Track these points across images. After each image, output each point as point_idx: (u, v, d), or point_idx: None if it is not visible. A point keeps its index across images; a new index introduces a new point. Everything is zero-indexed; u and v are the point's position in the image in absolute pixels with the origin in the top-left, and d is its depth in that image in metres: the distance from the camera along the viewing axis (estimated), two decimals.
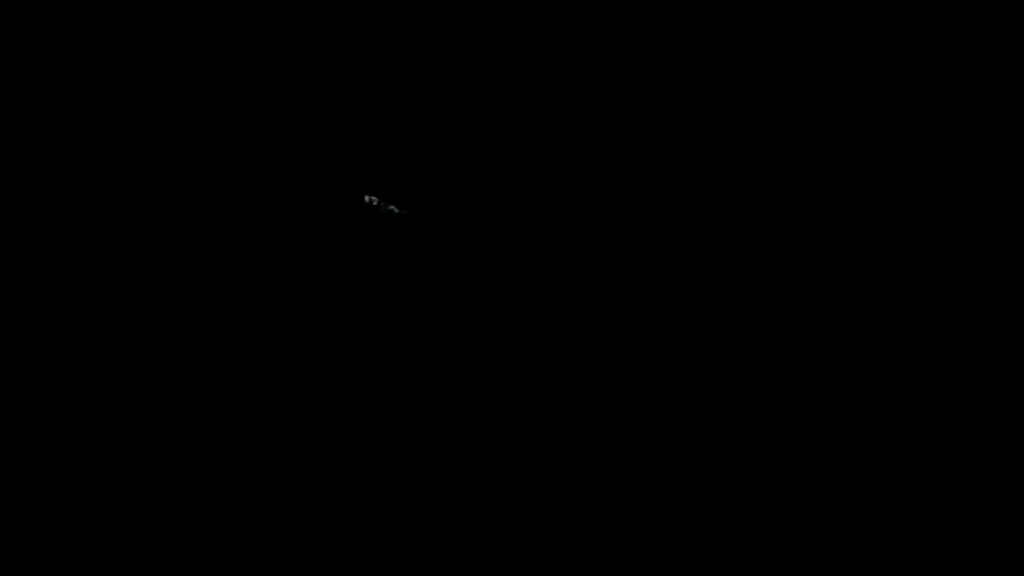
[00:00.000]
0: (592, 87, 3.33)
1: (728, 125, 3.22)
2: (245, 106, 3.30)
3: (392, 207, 3.00)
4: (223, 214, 3.01)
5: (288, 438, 2.11)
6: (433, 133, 3.24)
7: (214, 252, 2.88)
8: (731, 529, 1.87)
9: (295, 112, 3.29)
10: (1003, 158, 2.88)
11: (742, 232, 2.87)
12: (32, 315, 2.63)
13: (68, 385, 2.30)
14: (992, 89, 2.96)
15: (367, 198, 3.05)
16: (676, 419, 2.22)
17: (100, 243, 2.96)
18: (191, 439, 2.10)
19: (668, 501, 1.94)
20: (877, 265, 2.75)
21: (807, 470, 2.04)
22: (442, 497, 1.94)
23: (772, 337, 2.54)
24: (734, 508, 1.92)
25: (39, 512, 1.85)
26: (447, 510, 1.90)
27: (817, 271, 2.75)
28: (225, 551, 1.80)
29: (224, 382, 2.34)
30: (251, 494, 1.92)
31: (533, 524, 1.87)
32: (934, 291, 2.65)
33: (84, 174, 3.13)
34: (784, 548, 1.83)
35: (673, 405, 2.27)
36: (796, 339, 2.53)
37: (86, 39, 3.38)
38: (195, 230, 2.96)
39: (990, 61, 2.98)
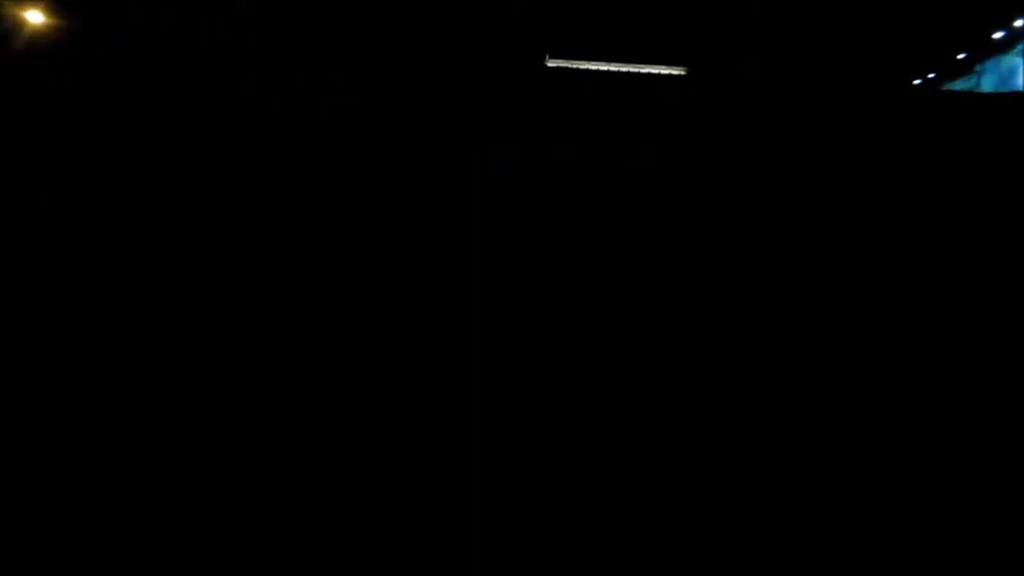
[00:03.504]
0: (592, 86, 3.34)
1: (727, 124, 3.24)
2: (244, 106, 3.28)
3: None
4: (224, 213, 2.99)
5: (288, 436, 2.10)
6: (433, 133, 3.23)
7: (215, 252, 2.86)
8: (731, 528, 1.88)
9: (294, 112, 3.28)
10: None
11: (742, 231, 2.88)
12: (30, 314, 2.60)
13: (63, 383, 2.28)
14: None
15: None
16: (672, 416, 2.23)
17: (97, 241, 2.94)
18: (192, 436, 2.09)
19: (667, 500, 1.95)
20: (875, 263, 2.77)
21: (806, 467, 2.05)
22: (441, 495, 1.93)
23: (771, 335, 2.55)
24: (734, 507, 1.93)
25: (40, 511, 1.84)
26: (449, 507, 1.90)
27: (815, 270, 2.77)
28: (225, 550, 1.78)
29: (223, 380, 2.32)
30: (253, 491, 1.91)
31: (532, 523, 1.87)
32: (932, 288, 2.67)
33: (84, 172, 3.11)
34: (783, 547, 1.84)
35: (671, 402, 2.27)
36: (795, 337, 2.54)
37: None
38: (196, 231, 2.94)
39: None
